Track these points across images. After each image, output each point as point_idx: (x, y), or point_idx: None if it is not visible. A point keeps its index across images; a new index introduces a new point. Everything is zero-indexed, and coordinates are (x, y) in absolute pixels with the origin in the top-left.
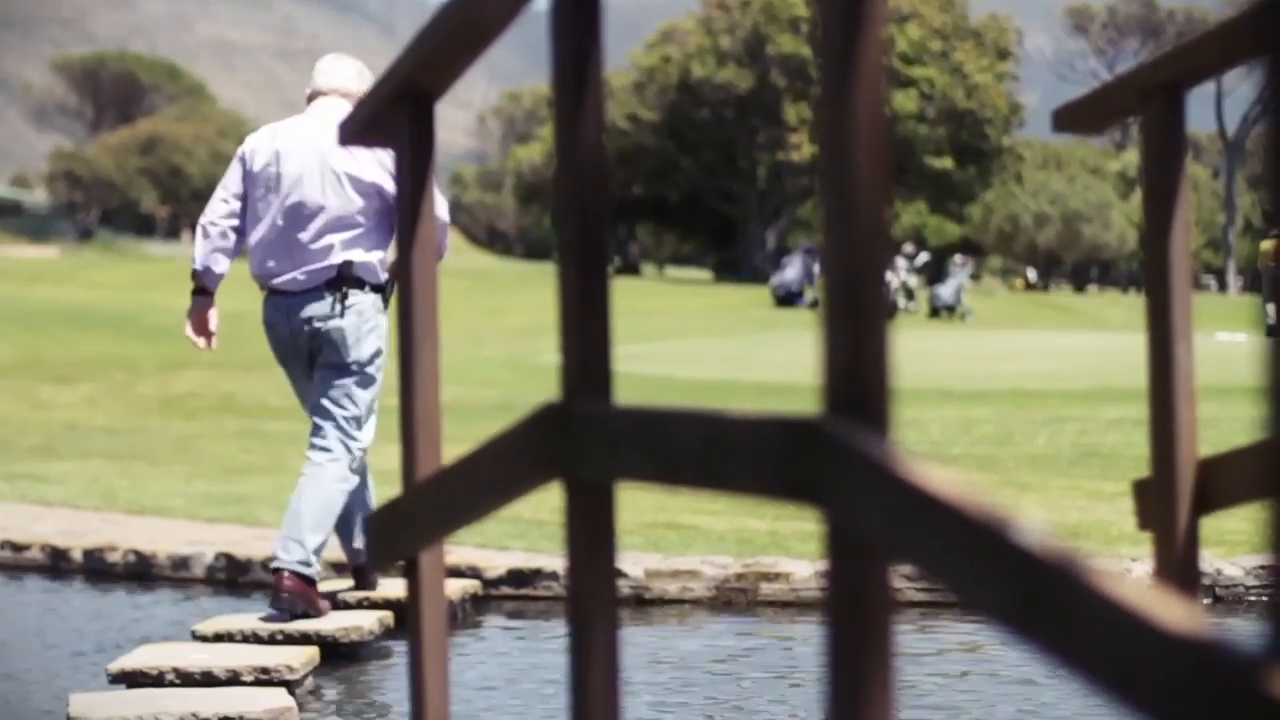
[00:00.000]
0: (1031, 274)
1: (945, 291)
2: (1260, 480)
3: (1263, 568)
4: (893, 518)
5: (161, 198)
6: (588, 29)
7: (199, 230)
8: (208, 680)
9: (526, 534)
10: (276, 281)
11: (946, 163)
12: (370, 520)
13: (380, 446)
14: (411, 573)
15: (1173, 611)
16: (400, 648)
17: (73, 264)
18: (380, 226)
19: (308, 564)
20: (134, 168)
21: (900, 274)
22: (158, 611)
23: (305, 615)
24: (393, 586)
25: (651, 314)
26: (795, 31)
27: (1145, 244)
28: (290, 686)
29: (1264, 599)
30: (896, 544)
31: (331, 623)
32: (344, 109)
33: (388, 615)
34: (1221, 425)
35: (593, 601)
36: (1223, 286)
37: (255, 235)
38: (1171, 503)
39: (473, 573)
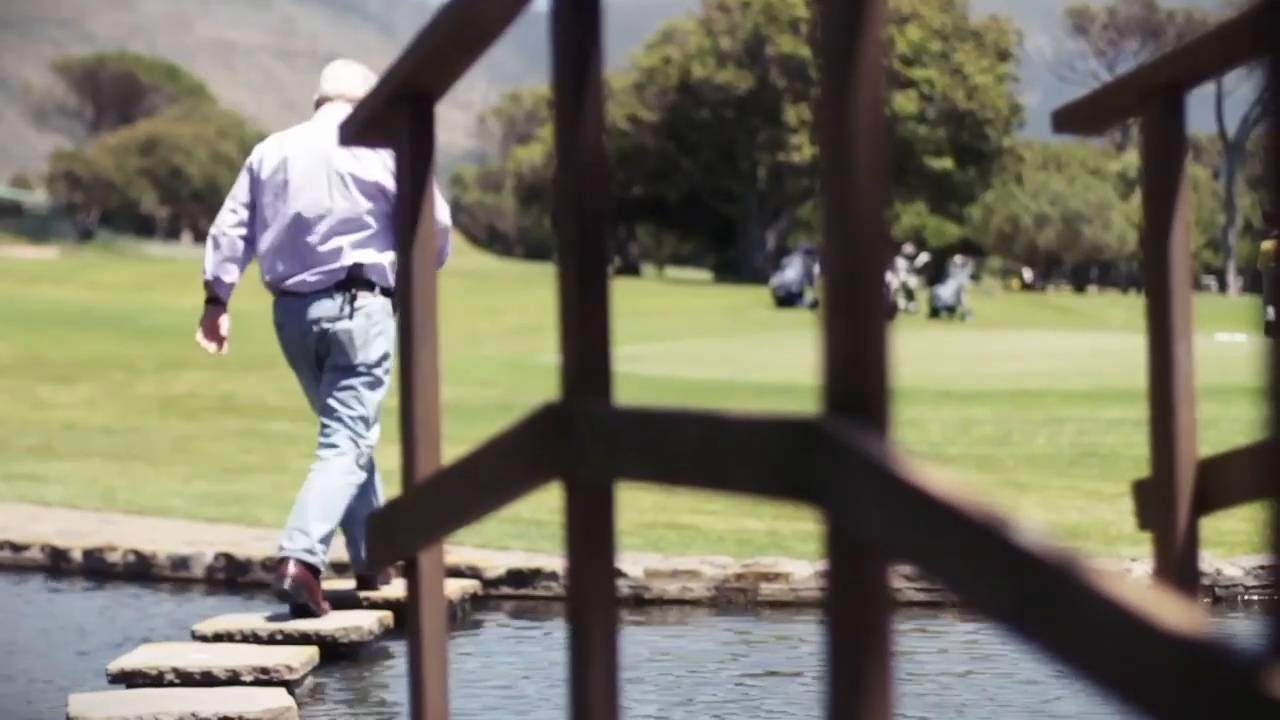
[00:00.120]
0: (1028, 274)
1: (945, 292)
2: (1260, 480)
3: (1262, 568)
4: (892, 518)
5: (161, 198)
6: (588, 30)
7: (209, 241)
8: (207, 680)
9: (526, 534)
10: (287, 284)
11: (947, 163)
12: (370, 520)
13: (380, 447)
14: (411, 573)
15: (1172, 611)
16: (400, 648)
17: (72, 264)
18: (389, 228)
19: (312, 552)
20: (134, 168)
21: (900, 274)
22: (157, 611)
23: (305, 609)
24: (392, 587)
25: (651, 314)
26: (795, 32)
27: (1145, 245)
28: (290, 686)
29: (1263, 599)
30: (896, 544)
31: (331, 623)
32: None
33: (387, 615)
34: (1221, 426)
35: (592, 601)
36: (1223, 287)
37: (265, 241)
38: (1171, 503)
39: (472, 573)
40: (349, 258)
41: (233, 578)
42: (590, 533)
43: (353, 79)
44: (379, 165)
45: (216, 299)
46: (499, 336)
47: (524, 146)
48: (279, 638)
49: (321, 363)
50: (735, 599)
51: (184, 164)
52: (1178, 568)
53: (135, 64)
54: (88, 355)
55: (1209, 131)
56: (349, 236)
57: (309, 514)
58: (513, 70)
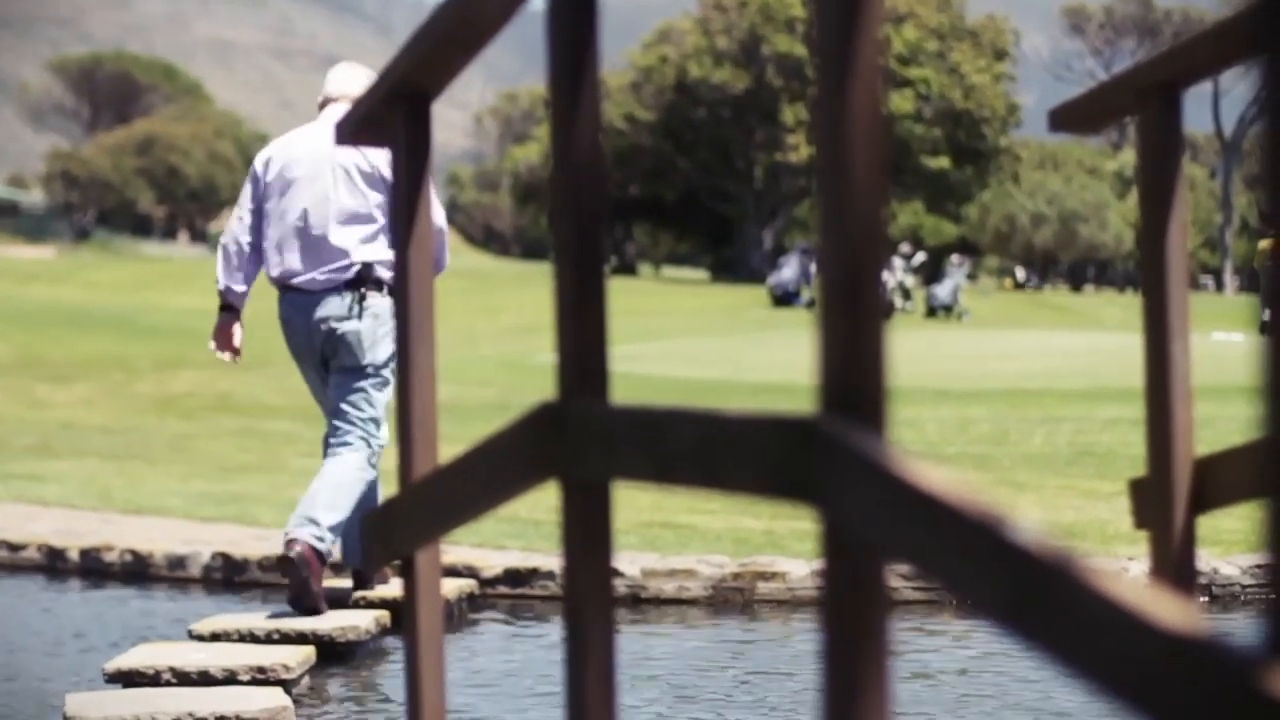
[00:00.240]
0: (1020, 273)
1: (942, 291)
2: (1256, 479)
3: (1259, 567)
4: (889, 516)
5: (158, 198)
6: (584, 29)
7: (220, 250)
8: (204, 680)
9: (523, 533)
10: (294, 281)
11: (943, 163)
12: (367, 520)
13: None
14: (408, 572)
15: (1169, 610)
16: (397, 647)
17: (69, 264)
18: None
19: (321, 539)
20: (130, 168)
21: (897, 274)
22: (154, 611)
23: (305, 586)
24: (389, 586)
25: (648, 314)
26: (791, 32)
27: (1142, 244)
28: (287, 686)
29: (1260, 598)
30: (893, 543)
31: (328, 622)
32: None
33: (384, 614)
34: (1218, 424)
35: (589, 600)
36: (1220, 286)
37: (272, 238)
38: (1168, 502)
39: (469, 572)
40: (358, 254)
41: (230, 577)
42: (587, 532)
43: (357, 81)
44: (385, 160)
45: (230, 307)
46: (496, 336)
47: (520, 146)
48: (276, 637)
49: (326, 360)
50: (732, 598)
51: (181, 164)
52: (1174, 567)
53: (132, 63)
54: (85, 355)
55: (1206, 131)
56: (357, 232)
57: (318, 502)
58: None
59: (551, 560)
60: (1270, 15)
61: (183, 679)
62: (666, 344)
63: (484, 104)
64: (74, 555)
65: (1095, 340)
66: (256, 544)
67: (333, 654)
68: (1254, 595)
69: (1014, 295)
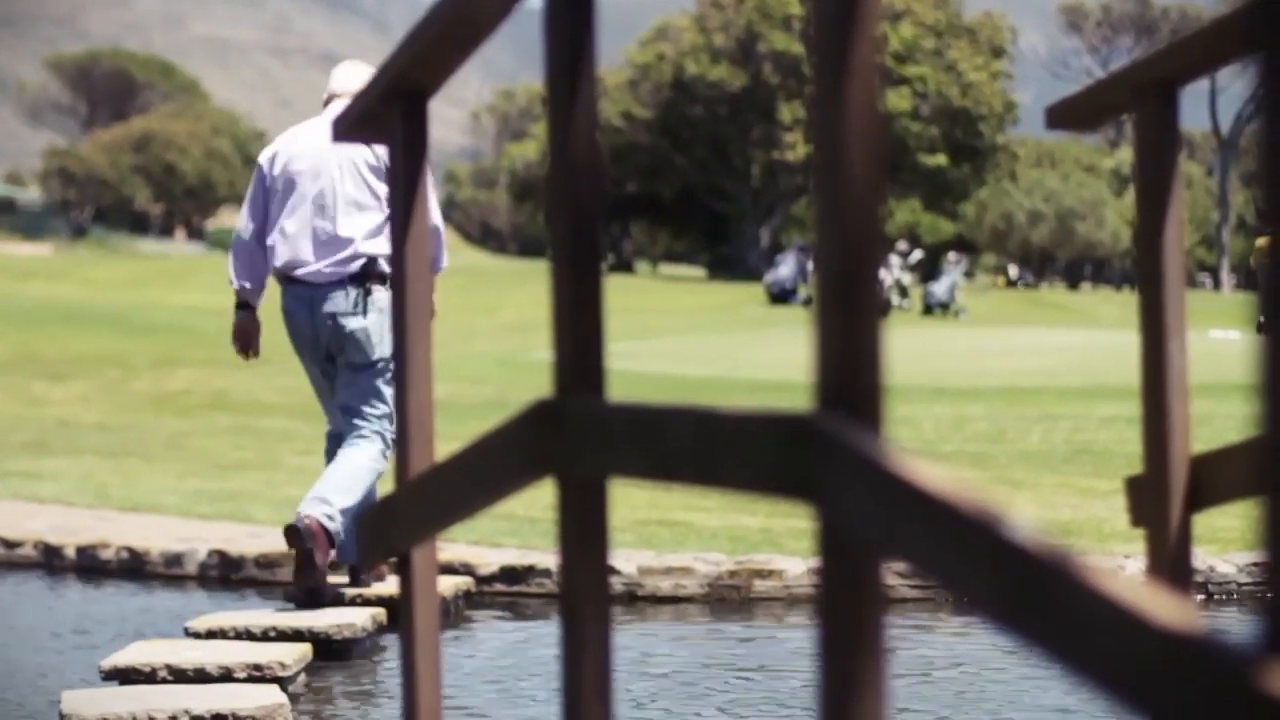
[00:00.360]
0: (1013, 271)
1: (939, 289)
2: (1252, 477)
3: (1255, 564)
4: (885, 514)
5: (155, 195)
6: (581, 26)
7: (231, 249)
8: (200, 677)
9: (519, 531)
10: (298, 273)
11: (941, 160)
12: (363, 517)
13: None
14: (404, 569)
15: (1165, 608)
16: (393, 644)
17: (66, 261)
18: None
19: (331, 518)
20: (127, 165)
21: (894, 271)
22: (150, 608)
23: (310, 559)
24: (385, 583)
25: (645, 311)
26: (788, 30)
27: (1138, 241)
28: (283, 683)
29: (1256, 595)
30: (889, 540)
31: (324, 619)
32: None
33: (380, 612)
34: (1214, 422)
35: (585, 598)
36: (1217, 284)
37: (277, 230)
38: (1164, 500)
39: (465, 569)
40: (364, 246)
41: (226, 574)
42: (583, 529)
43: (360, 78)
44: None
45: (246, 305)
46: (493, 333)
47: (518, 143)
48: (272, 635)
49: (330, 357)
50: (728, 596)
51: (178, 161)
52: (1171, 564)
53: (129, 61)
54: (82, 352)
55: (1203, 128)
56: (362, 225)
57: (329, 485)
58: (506, 67)
59: (548, 558)
60: (1267, 12)
61: (179, 676)
62: (663, 341)
63: (481, 101)
64: (70, 552)
65: (1092, 338)
66: (252, 541)
67: (329, 651)
68: (1250, 593)
69: (1009, 293)
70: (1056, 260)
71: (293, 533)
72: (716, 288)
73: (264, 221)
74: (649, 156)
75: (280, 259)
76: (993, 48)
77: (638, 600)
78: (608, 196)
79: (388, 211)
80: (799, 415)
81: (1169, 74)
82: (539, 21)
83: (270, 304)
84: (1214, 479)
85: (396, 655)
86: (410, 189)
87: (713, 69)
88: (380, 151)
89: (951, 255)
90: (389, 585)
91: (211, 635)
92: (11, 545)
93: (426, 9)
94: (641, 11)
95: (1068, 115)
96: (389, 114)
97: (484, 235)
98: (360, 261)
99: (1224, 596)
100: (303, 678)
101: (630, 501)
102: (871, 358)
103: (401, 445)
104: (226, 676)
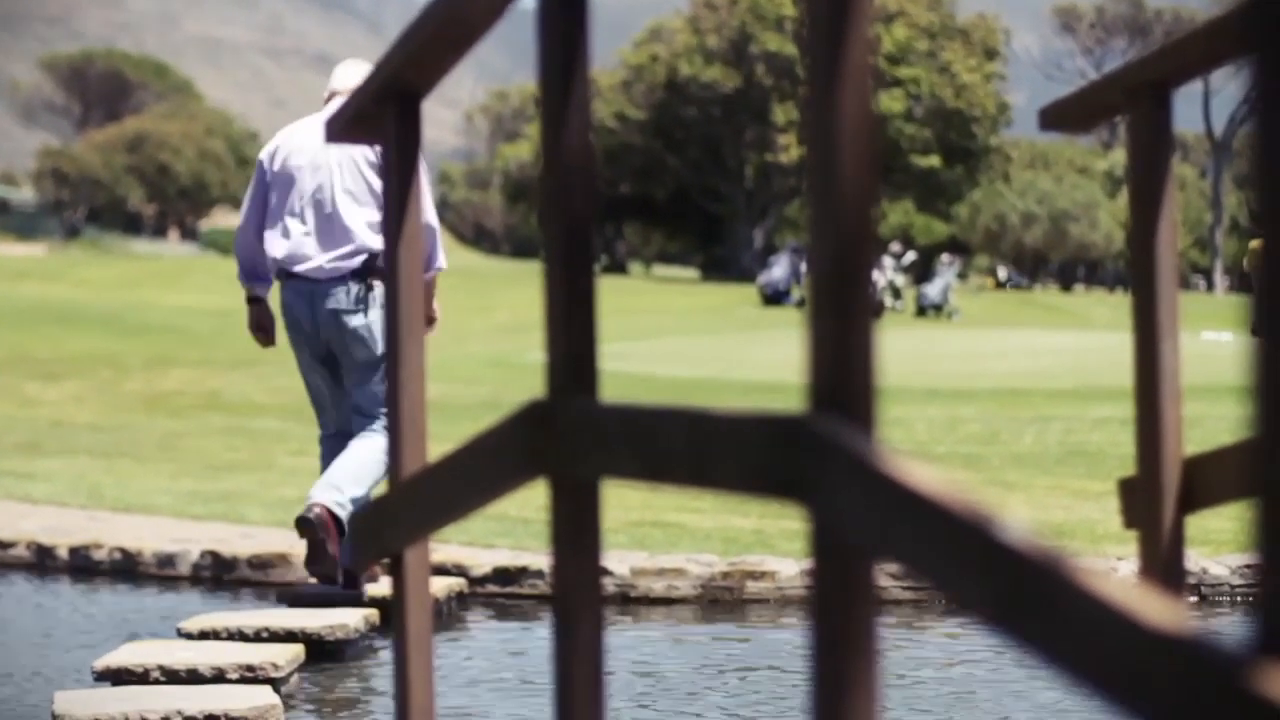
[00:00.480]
0: (1002, 272)
1: (932, 290)
2: (1245, 479)
3: (1247, 566)
4: (878, 516)
5: (148, 195)
6: (574, 27)
7: (235, 247)
8: (193, 678)
9: (512, 532)
10: (299, 268)
11: (934, 162)
12: (356, 518)
13: None
14: (397, 570)
15: (1158, 610)
16: (386, 646)
17: (60, 261)
18: None
19: (341, 505)
20: (121, 165)
21: (887, 273)
22: (143, 609)
23: (321, 547)
24: (378, 585)
25: (638, 312)
26: (781, 31)
27: (1131, 243)
28: (275, 684)
29: (1249, 597)
30: (881, 542)
31: (317, 620)
32: None
33: (373, 613)
34: (1207, 424)
35: (577, 599)
36: (1210, 286)
37: (277, 225)
38: (1157, 501)
39: (458, 570)
40: (364, 240)
41: (219, 575)
42: (576, 530)
43: (362, 76)
44: None
45: (256, 298)
46: (486, 334)
47: (511, 144)
48: (265, 636)
49: (329, 354)
50: (721, 597)
51: (171, 161)
52: (1163, 566)
53: (123, 61)
54: (75, 352)
55: (1196, 130)
56: (363, 220)
57: (341, 473)
58: (500, 68)
59: (541, 559)
60: (1261, 14)
61: (171, 677)
62: (657, 343)
63: (475, 102)
64: (63, 553)
65: (1085, 340)
66: (245, 542)
67: (322, 652)
68: (1243, 595)
69: (1001, 294)
70: (1050, 262)
71: (304, 523)
72: (710, 289)
73: (263, 215)
74: (642, 157)
75: (280, 254)
76: (986, 49)
77: (630, 601)
78: (601, 197)
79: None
80: (792, 416)
81: (1162, 76)
82: (532, 22)
83: (271, 300)
84: (1207, 481)
85: (389, 656)
86: (403, 190)
87: (706, 70)
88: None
89: (945, 257)
90: (382, 586)
91: (204, 636)
92: (4, 546)
93: (420, 9)
94: (635, 12)
95: (1061, 117)
96: (382, 115)
97: (477, 236)
98: (362, 257)
99: (1217, 598)
100: (295, 679)
101: (623, 502)
102: (864, 359)
103: (394, 446)
104: (219, 677)
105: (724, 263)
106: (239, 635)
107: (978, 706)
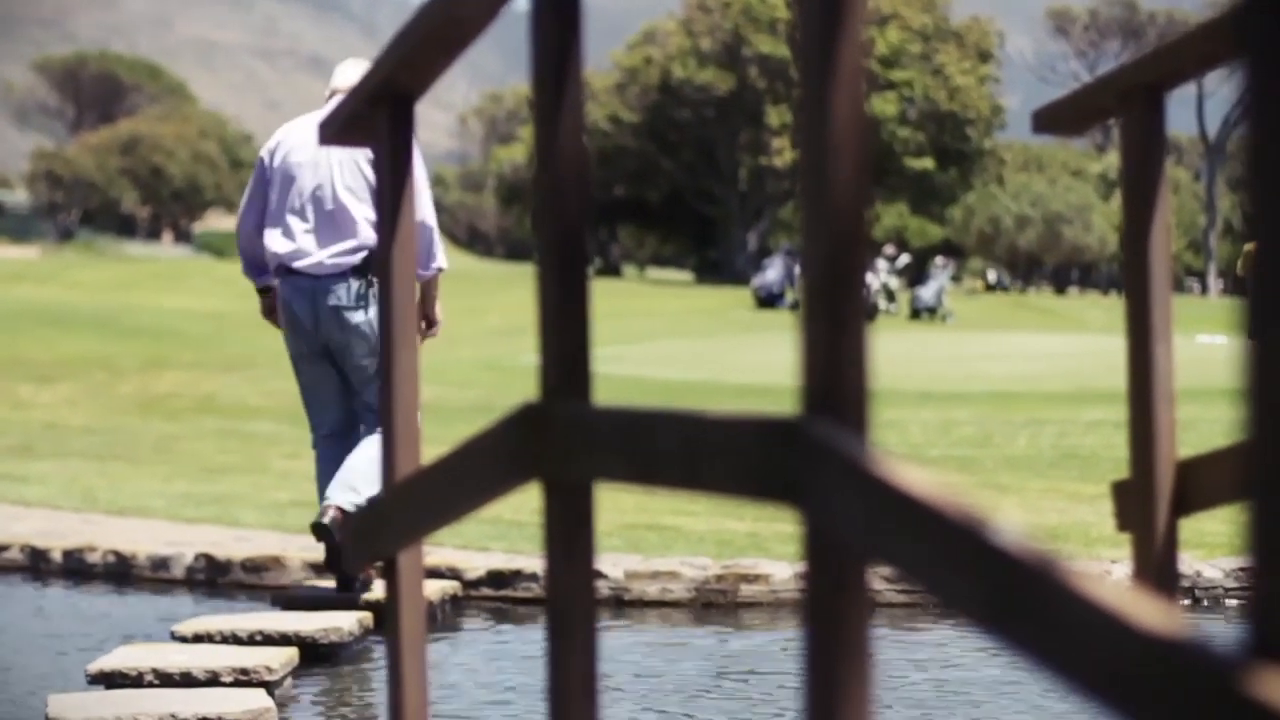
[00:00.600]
0: (992, 275)
1: (926, 293)
2: (1239, 482)
3: (1241, 569)
4: (871, 519)
5: (142, 198)
6: (568, 29)
7: (237, 246)
8: (187, 681)
9: (506, 535)
10: (299, 265)
11: (928, 164)
12: (349, 520)
13: None
14: (390, 573)
15: (1151, 613)
16: (379, 649)
17: (53, 264)
18: None
19: (358, 506)
20: (115, 168)
21: (881, 275)
22: (137, 612)
23: (337, 553)
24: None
25: (632, 315)
26: (774, 33)
27: (1125, 246)
28: (269, 687)
29: (1242, 600)
30: (875, 545)
31: (311, 623)
32: None
33: (367, 616)
34: (1200, 427)
35: (571, 602)
36: (1204, 289)
37: (276, 221)
38: (1150, 504)
39: (452, 574)
40: (365, 236)
41: (213, 578)
42: (569, 534)
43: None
44: None
45: (265, 289)
46: (479, 337)
47: (505, 147)
48: (259, 639)
49: (328, 351)
50: (715, 600)
51: (165, 164)
52: (1157, 569)
53: (116, 63)
54: (68, 355)
55: (1190, 133)
56: (363, 214)
57: (356, 474)
58: (494, 70)
59: (534, 562)
60: (1254, 17)
61: (165, 680)
62: (650, 345)
63: (468, 104)
64: (57, 556)
65: (1079, 342)
66: (239, 545)
67: (316, 655)
68: (1236, 598)
69: (995, 297)
70: (1044, 265)
71: (321, 530)
72: (703, 292)
73: (263, 213)
74: (636, 160)
75: (281, 250)
76: (980, 52)
77: (624, 605)
78: (594, 200)
79: None
80: (785, 419)
81: (1156, 78)
82: (526, 24)
83: (252, 314)
84: (1200, 484)
85: (383, 659)
86: (397, 192)
87: (699, 73)
88: None
89: (938, 259)
90: (376, 590)
91: (198, 639)
92: None
93: (414, 11)
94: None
95: (1055, 119)
96: (375, 117)
97: (471, 238)
98: (363, 253)
99: (1210, 601)
100: (289, 682)
101: (617, 505)
102: (857, 362)
103: (388, 449)
104: (213, 680)
105: (718, 265)
106: (233, 638)
107: (969, 709)
